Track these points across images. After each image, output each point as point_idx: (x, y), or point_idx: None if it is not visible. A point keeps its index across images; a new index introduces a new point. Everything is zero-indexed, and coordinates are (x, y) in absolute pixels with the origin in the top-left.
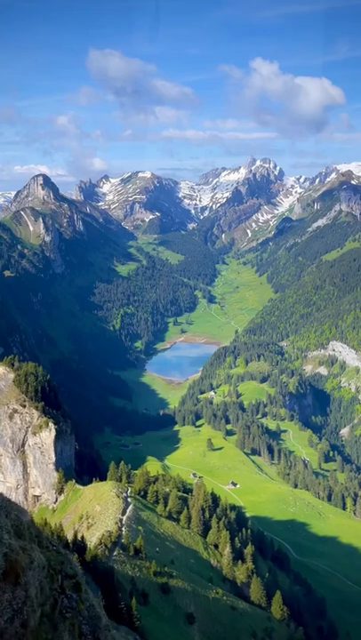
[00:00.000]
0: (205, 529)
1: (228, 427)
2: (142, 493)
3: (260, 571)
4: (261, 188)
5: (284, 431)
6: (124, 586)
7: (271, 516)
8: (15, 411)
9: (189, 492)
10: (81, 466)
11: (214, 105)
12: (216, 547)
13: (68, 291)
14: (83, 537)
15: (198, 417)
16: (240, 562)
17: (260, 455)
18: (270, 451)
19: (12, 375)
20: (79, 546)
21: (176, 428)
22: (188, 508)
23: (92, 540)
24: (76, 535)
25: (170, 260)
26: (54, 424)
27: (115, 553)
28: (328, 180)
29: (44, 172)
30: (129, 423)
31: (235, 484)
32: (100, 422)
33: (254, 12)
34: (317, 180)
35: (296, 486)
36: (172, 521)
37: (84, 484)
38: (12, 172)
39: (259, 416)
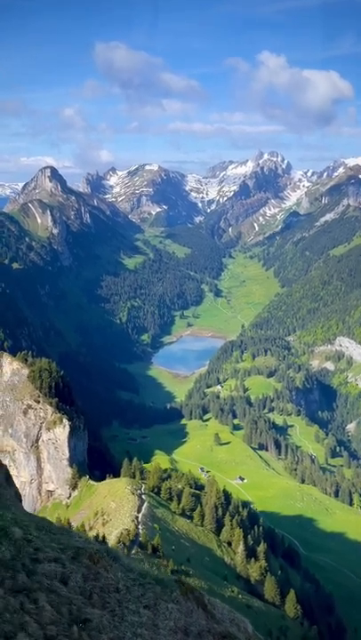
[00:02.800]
0: (218, 526)
1: (236, 421)
2: (156, 490)
3: (273, 568)
4: (269, 182)
5: (291, 426)
6: None
7: (279, 511)
8: (29, 406)
9: (201, 488)
10: (90, 459)
11: (221, 98)
12: (229, 544)
13: (76, 283)
14: (104, 536)
15: (205, 411)
16: (253, 559)
17: (267, 450)
18: (277, 446)
19: (25, 371)
20: None
21: (183, 421)
22: (201, 506)
23: (111, 537)
24: (97, 535)
25: (176, 254)
26: (68, 420)
27: (133, 551)
28: (336, 174)
29: (50, 163)
30: (136, 416)
31: (242, 479)
32: (108, 415)
33: (260, 4)
34: (325, 173)
35: (303, 482)
36: (185, 518)
37: (95, 478)
38: (19, 163)
39: (266, 411)
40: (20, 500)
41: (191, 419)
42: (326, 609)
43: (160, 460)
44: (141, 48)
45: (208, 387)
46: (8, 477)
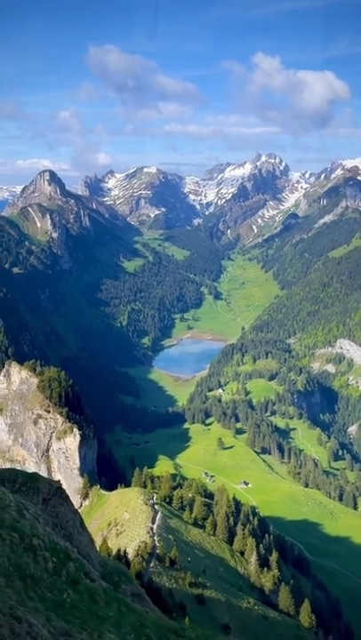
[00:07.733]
0: (230, 535)
1: (238, 425)
2: (167, 500)
3: (285, 577)
4: (267, 184)
5: (293, 429)
6: (166, 599)
7: (284, 515)
8: (40, 416)
9: (209, 495)
10: (97, 466)
11: (217, 100)
12: (242, 554)
13: (76, 287)
14: (125, 551)
15: (208, 415)
16: (266, 569)
17: (270, 454)
18: (280, 449)
19: (34, 380)
20: (121, 560)
21: (186, 425)
22: (212, 515)
23: (129, 550)
24: (119, 550)
25: (175, 256)
26: (78, 429)
27: (151, 564)
28: (334, 175)
29: (47, 166)
30: (138, 421)
31: (246, 484)
32: (110, 420)
33: (255, 6)
34: (323, 175)
35: (307, 485)
36: (197, 528)
37: (103, 485)
38: (15, 166)
39: (268, 414)
40: (93, 543)
41: (194, 423)
42: (334, 614)
43: (164, 465)
44: (135, 51)
45: (210, 390)
46: (82, 523)
